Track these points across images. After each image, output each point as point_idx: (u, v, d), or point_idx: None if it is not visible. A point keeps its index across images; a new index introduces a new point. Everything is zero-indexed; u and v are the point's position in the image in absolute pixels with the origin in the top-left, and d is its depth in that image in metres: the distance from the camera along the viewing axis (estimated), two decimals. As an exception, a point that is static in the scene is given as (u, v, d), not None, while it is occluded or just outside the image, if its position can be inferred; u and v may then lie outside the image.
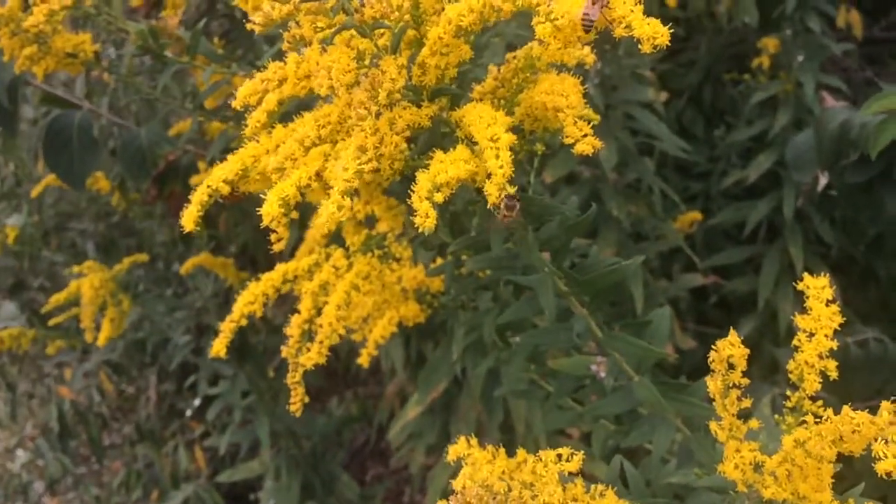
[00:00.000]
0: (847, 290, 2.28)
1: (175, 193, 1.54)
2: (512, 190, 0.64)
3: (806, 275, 0.77)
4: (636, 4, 0.62)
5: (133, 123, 1.52)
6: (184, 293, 2.20)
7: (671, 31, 0.61)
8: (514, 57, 0.78)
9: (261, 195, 0.70)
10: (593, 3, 0.62)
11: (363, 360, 1.10)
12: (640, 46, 0.61)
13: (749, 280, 2.27)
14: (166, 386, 2.60)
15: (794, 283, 2.21)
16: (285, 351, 0.94)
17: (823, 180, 1.51)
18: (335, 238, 1.11)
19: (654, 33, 0.60)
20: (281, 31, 0.71)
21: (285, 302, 1.03)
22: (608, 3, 0.63)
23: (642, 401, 0.98)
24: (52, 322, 1.88)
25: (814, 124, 1.46)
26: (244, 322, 0.96)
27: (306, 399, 0.93)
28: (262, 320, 2.25)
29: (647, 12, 1.88)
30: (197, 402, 2.41)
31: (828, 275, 2.23)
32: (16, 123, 1.36)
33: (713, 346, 0.71)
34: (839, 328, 0.77)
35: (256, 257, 2.33)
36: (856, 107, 2.30)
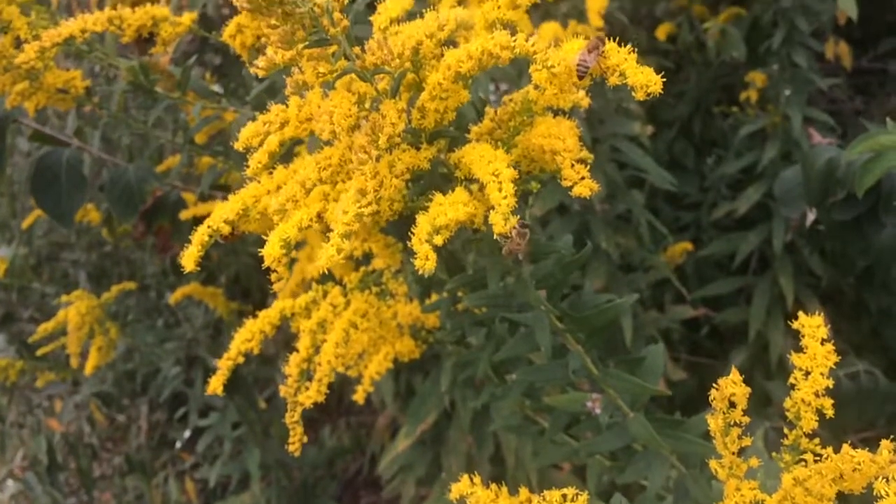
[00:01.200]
0: (838, 321, 2.30)
1: (163, 229, 1.54)
2: (516, 220, 0.64)
3: (801, 314, 0.77)
4: (630, 53, 0.64)
5: (122, 159, 1.53)
6: (174, 324, 2.19)
7: (662, 63, 0.62)
8: (511, 100, 0.80)
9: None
10: (589, 52, 0.64)
11: (358, 396, 1.11)
12: (633, 94, 0.62)
13: (740, 311, 2.29)
14: (157, 416, 2.58)
15: (784, 315, 2.22)
16: (284, 390, 0.93)
17: (811, 216, 1.53)
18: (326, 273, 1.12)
19: (647, 81, 0.61)
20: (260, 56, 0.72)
21: (276, 333, 1.03)
22: (603, 51, 0.64)
23: (637, 437, 0.99)
24: (40, 352, 1.87)
25: (801, 161, 1.48)
26: (241, 360, 0.96)
27: (304, 439, 0.93)
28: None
29: (637, 45, 1.91)
30: (187, 433, 2.38)
31: (818, 306, 2.24)
32: (4, 161, 1.36)
33: (714, 385, 0.72)
34: None
35: (248, 288, 2.33)
36: (844, 138, 2.35)
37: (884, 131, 1.14)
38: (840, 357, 0.75)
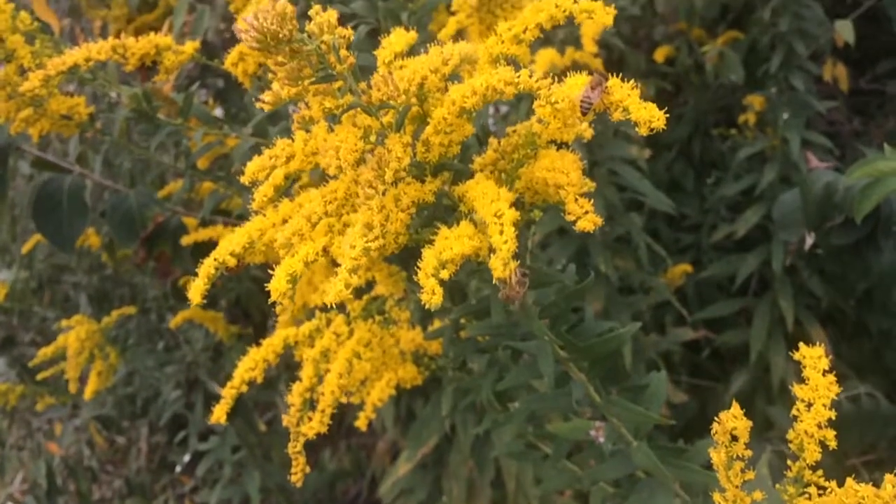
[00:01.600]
0: (839, 343, 2.30)
1: (164, 255, 1.54)
2: (515, 265, 0.65)
3: (802, 345, 0.78)
4: (633, 89, 0.64)
5: (124, 184, 1.54)
6: (174, 347, 2.19)
7: (660, 85, 0.63)
8: (514, 131, 0.80)
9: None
10: (592, 88, 0.65)
11: (360, 423, 1.11)
12: (637, 129, 0.63)
13: (741, 332, 2.29)
14: (157, 439, 2.57)
15: (785, 337, 2.21)
16: (286, 420, 0.93)
17: (810, 240, 1.54)
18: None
19: (650, 117, 0.62)
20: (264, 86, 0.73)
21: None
22: (607, 87, 0.65)
23: (640, 466, 0.99)
24: (40, 376, 1.86)
25: (799, 186, 1.49)
26: (245, 388, 0.96)
27: (307, 469, 0.93)
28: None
29: (636, 68, 1.90)
30: (187, 456, 2.37)
31: (819, 328, 2.22)
32: (6, 187, 1.37)
33: (716, 415, 0.72)
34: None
35: (248, 310, 2.33)
36: (842, 161, 2.36)
37: (882, 157, 1.15)
38: (841, 381, 0.76)
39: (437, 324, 1.11)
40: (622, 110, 0.64)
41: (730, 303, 2.33)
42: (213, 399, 2.06)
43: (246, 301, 2.19)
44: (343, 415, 2.35)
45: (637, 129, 0.63)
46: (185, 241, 1.53)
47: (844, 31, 2.28)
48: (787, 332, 2.15)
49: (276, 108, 0.75)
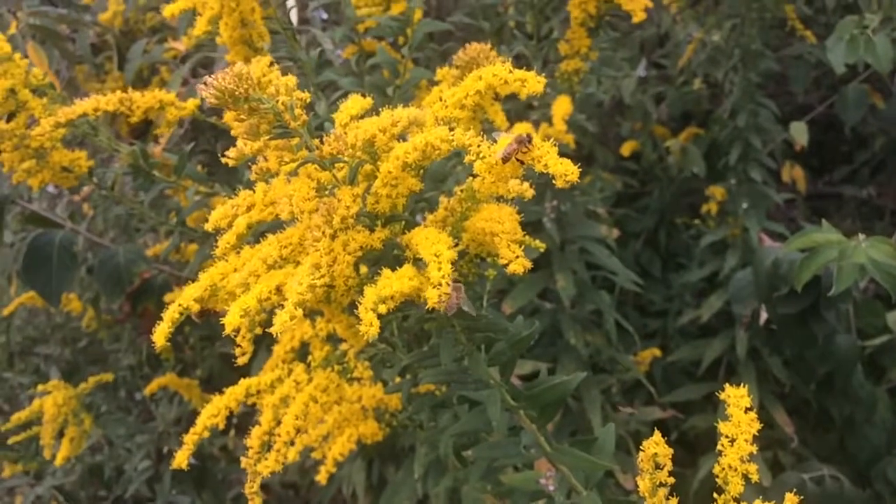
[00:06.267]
0: (804, 431, 2.33)
1: (148, 311, 1.60)
2: (447, 289, 0.71)
3: (727, 385, 0.84)
4: (552, 147, 0.73)
5: (111, 240, 1.61)
6: (146, 420, 2.20)
7: (627, 181, 0.71)
8: (461, 189, 0.89)
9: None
10: (518, 143, 0.73)
11: (321, 476, 1.14)
12: (554, 181, 0.71)
13: (708, 417, 2.32)
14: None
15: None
16: (244, 461, 0.97)
17: (764, 314, 1.61)
18: (303, 355, 1.17)
19: (565, 171, 0.71)
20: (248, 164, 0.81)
21: (246, 431, 1.07)
22: (530, 144, 0.74)
23: (590, 516, 1.02)
24: (12, 440, 1.86)
25: (752, 261, 1.58)
26: (207, 434, 1.00)
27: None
28: (221, 449, 2.24)
29: (604, 165, 2.03)
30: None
31: (783, 413, 2.25)
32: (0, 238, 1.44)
33: (640, 447, 0.77)
34: (796, 464, 0.81)
35: (221, 386, 2.35)
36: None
37: (818, 229, 1.24)
38: (806, 462, 0.80)
39: (397, 379, 1.16)
40: (543, 164, 0.73)
41: (696, 387, 2.37)
42: (182, 472, 2.05)
43: (219, 375, 2.22)
44: (309, 491, 2.34)
45: (555, 181, 0.72)
46: (169, 298, 1.58)
47: (798, 132, 2.43)
48: (752, 419, 2.17)
49: (251, 178, 0.84)
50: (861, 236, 1.31)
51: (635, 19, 1.59)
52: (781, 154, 2.62)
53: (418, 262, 0.82)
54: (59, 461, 1.73)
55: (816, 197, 3.01)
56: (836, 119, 2.62)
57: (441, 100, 0.83)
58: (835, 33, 1.73)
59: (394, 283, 0.73)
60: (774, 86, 2.93)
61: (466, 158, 0.74)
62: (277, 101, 0.72)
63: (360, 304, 0.71)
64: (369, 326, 0.68)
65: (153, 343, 0.81)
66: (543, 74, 0.80)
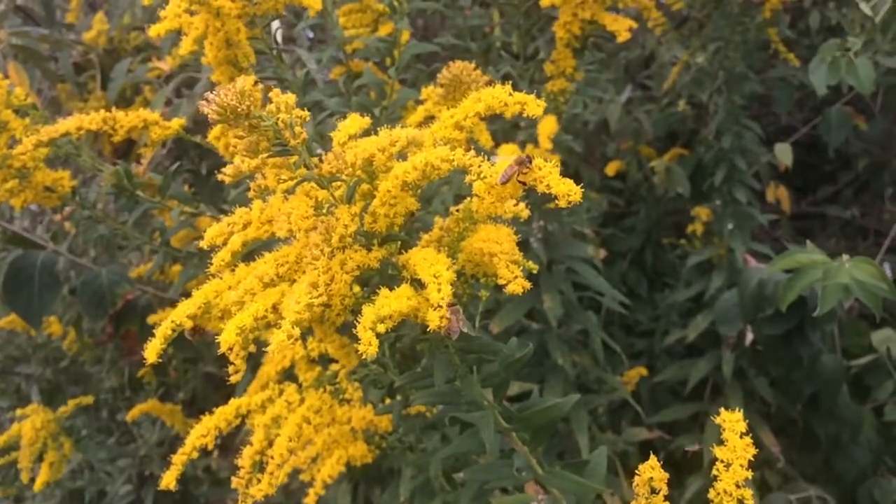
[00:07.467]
0: (791, 451, 2.34)
1: (130, 333, 1.57)
2: (446, 311, 0.71)
3: (722, 409, 0.84)
4: (554, 167, 0.73)
5: (93, 260, 1.59)
6: (128, 442, 2.16)
7: (614, 201, 0.71)
8: (458, 209, 0.88)
9: (215, 338, 0.76)
10: (518, 164, 0.73)
11: (310, 499, 1.12)
12: (557, 202, 0.71)
13: (695, 437, 2.32)
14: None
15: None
16: (236, 482, 0.95)
17: (750, 335, 1.62)
18: (288, 376, 1.16)
19: (568, 191, 0.71)
20: (247, 181, 0.81)
21: (229, 453, 1.06)
22: (531, 165, 0.74)
23: (582, 540, 1.01)
24: (-7, 464, 1.82)
25: (737, 282, 1.58)
26: (196, 455, 0.98)
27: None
28: (205, 472, 2.20)
29: (589, 183, 2.03)
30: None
31: (769, 433, 2.25)
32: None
33: (627, 468, 0.76)
34: (783, 484, 0.82)
35: (205, 407, 2.31)
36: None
37: (802, 250, 1.24)
38: (793, 483, 0.80)
39: (387, 400, 1.15)
40: (546, 185, 0.72)
41: (683, 407, 2.37)
42: (162, 496, 2.02)
43: (203, 397, 2.19)
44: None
45: (557, 201, 0.71)
46: (153, 319, 1.56)
47: (783, 153, 2.46)
48: (739, 437, 2.17)
49: (249, 195, 0.83)
50: (845, 257, 1.33)
51: (619, 39, 1.60)
52: (766, 175, 2.64)
53: (415, 283, 0.81)
54: (38, 486, 1.69)
55: (801, 217, 3.05)
56: (819, 140, 2.66)
57: (440, 120, 0.82)
58: (818, 56, 1.75)
59: (392, 302, 0.73)
60: (758, 107, 2.97)
61: (467, 179, 0.74)
62: (278, 119, 0.71)
63: (358, 323, 0.70)
64: (368, 346, 0.68)
65: (135, 365, 0.80)
66: (532, 94, 0.80)
